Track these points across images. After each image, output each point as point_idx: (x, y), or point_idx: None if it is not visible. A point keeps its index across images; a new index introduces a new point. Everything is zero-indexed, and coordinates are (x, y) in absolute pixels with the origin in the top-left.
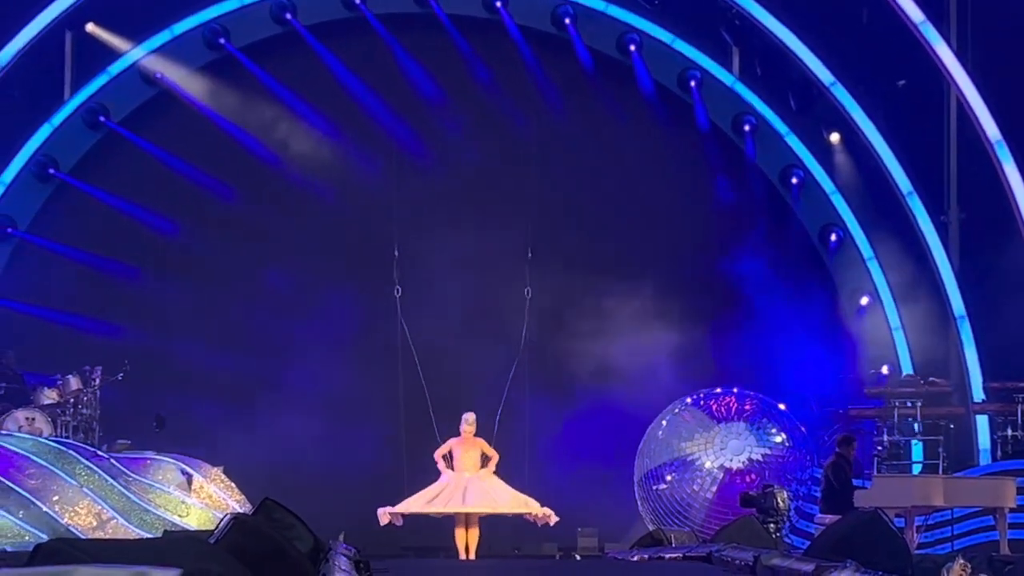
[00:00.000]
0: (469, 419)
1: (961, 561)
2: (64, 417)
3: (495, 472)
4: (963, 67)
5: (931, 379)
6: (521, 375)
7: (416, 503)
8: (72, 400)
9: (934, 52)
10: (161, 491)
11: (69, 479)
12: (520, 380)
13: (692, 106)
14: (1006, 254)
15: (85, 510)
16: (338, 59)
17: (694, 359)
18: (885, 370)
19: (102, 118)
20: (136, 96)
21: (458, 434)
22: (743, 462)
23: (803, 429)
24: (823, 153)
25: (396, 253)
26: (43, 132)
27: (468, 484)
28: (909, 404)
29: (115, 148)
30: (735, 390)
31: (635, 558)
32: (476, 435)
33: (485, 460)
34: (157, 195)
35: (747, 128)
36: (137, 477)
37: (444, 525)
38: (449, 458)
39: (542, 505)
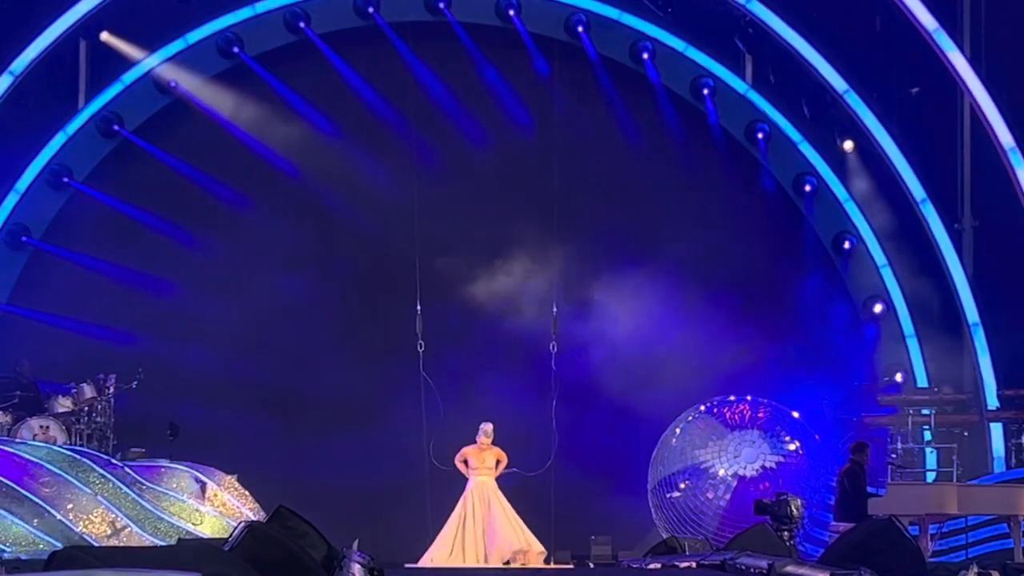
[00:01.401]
0: (487, 430)
1: (976, 569)
2: (78, 425)
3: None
4: (977, 74)
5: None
6: (540, 387)
7: (438, 551)
8: (86, 408)
9: (947, 59)
10: (175, 499)
11: (83, 487)
12: (539, 392)
13: (705, 114)
14: (1020, 262)
15: (99, 518)
16: (352, 68)
17: (707, 366)
18: (899, 378)
19: (116, 127)
20: (150, 105)
21: (474, 442)
22: (757, 470)
23: (817, 437)
24: (836, 161)
25: (419, 308)
26: (57, 141)
27: (484, 530)
28: (923, 412)
29: (129, 157)
30: (748, 398)
31: (649, 566)
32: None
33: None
34: (171, 204)
35: (760, 136)
36: (151, 485)
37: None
38: (465, 464)
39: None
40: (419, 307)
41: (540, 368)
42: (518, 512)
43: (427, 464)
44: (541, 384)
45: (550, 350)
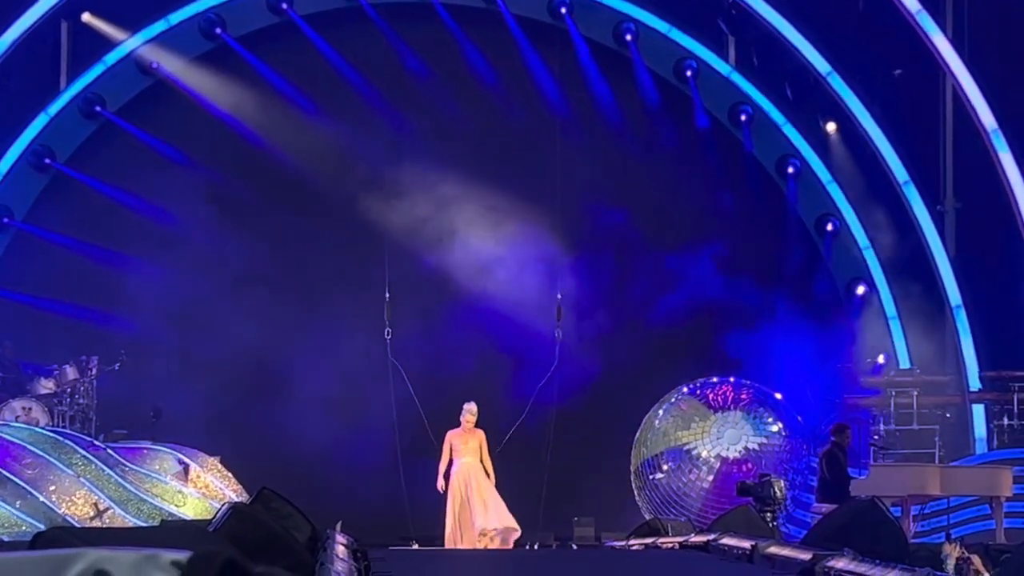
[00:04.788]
0: (472, 409)
1: (959, 548)
2: (61, 407)
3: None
4: (959, 56)
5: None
6: (523, 371)
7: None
8: (69, 390)
9: (930, 41)
10: (158, 481)
11: (66, 469)
12: (520, 375)
13: (688, 96)
14: (1002, 243)
15: (82, 500)
16: (334, 48)
17: (690, 348)
18: (881, 359)
19: (98, 108)
20: (132, 86)
21: (457, 424)
22: (740, 451)
23: (799, 418)
24: (819, 143)
25: (387, 295)
26: (39, 122)
27: (475, 507)
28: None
29: (111, 138)
30: (732, 379)
31: (632, 547)
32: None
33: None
34: (153, 184)
35: (743, 118)
36: (134, 467)
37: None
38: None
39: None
40: (387, 295)
41: (537, 353)
42: (504, 495)
43: (398, 447)
44: (536, 369)
45: (556, 338)
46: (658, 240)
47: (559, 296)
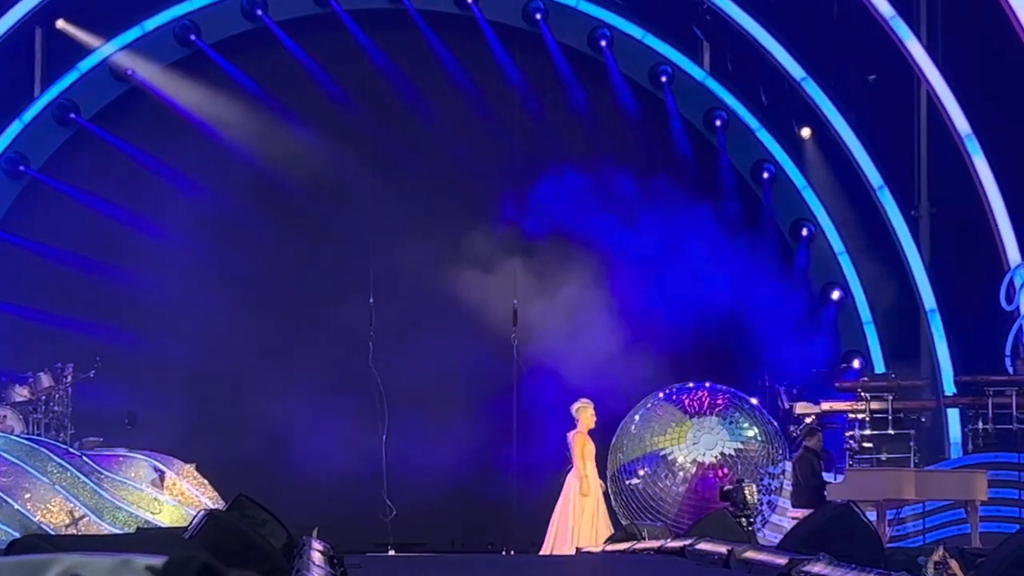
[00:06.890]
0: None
1: (941, 551)
2: (36, 414)
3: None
4: (933, 62)
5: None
6: (496, 374)
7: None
8: (44, 397)
9: (904, 47)
10: (133, 488)
11: (41, 476)
12: (493, 378)
13: (663, 101)
14: (976, 248)
15: (57, 507)
16: (309, 55)
17: (666, 353)
18: (856, 364)
19: (72, 115)
20: (107, 93)
21: (572, 426)
22: (716, 457)
23: (775, 423)
24: (794, 148)
25: (372, 300)
26: (13, 129)
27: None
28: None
29: (86, 145)
30: (707, 385)
31: (608, 553)
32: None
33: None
34: (128, 192)
35: (718, 123)
36: (109, 474)
37: (425, 521)
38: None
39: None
40: (371, 299)
41: (500, 358)
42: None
43: (380, 453)
44: (501, 374)
45: (511, 341)
46: (632, 246)
47: (515, 301)
